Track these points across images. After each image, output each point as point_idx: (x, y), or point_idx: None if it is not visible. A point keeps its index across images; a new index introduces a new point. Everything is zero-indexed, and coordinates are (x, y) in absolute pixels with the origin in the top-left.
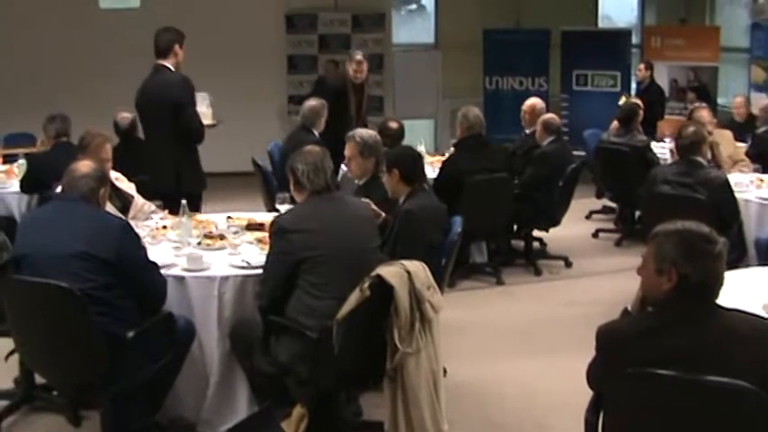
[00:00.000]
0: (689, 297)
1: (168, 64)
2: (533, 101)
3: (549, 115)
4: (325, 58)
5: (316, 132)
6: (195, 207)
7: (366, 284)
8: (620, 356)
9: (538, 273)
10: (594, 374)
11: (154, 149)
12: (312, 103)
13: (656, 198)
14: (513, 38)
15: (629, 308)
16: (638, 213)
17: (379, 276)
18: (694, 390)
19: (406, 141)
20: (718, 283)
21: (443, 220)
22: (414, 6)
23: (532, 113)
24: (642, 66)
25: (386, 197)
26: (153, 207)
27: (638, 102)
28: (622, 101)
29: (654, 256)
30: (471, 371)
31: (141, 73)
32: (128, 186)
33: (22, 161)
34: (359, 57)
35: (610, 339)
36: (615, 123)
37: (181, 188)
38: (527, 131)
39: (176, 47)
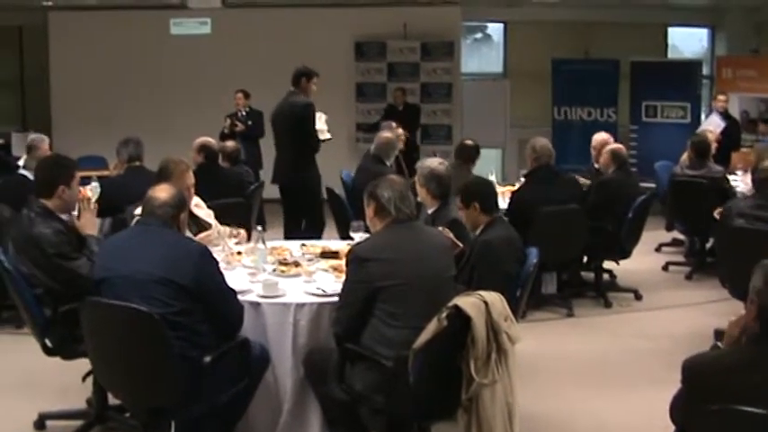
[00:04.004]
0: None
1: (298, 91)
2: (604, 136)
3: (617, 145)
4: (393, 86)
5: (388, 163)
6: (313, 199)
7: (444, 315)
8: (705, 391)
9: (608, 305)
10: (679, 409)
11: (282, 154)
12: (387, 134)
13: (731, 232)
14: (582, 68)
15: (720, 344)
16: (708, 246)
17: (456, 307)
18: None
19: (475, 171)
20: None
21: (520, 251)
22: (479, 35)
23: (599, 150)
24: (724, 96)
25: (451, 225)
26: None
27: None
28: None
29: (750, 288)
30: (543, 403)
31: (210, 98)
32: (206, 213)
33: (95, 184)
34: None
35: (696, 373)
36: (686, 155)
37: (299, 181)
38: (596, 165)
39: (303, 79)
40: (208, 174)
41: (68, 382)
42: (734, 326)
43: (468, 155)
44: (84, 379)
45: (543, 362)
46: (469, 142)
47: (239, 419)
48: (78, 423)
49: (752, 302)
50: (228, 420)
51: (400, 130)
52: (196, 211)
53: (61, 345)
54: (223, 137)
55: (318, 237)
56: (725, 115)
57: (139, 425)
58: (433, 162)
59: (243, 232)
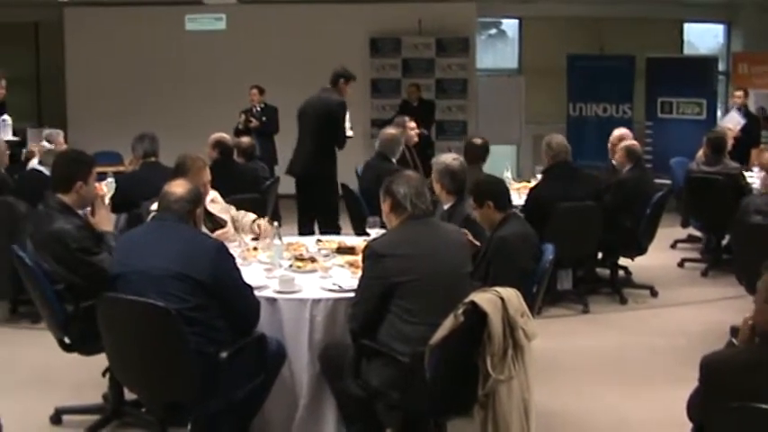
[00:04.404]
0: None
1: (333, 90)
2: (622, 131)
3: (632, 142)
4: (408, 82)
5: (393, 160)
6: (329, 193)
7: (460, 311)
8: (723, 388)
9: (623, 301)
10: (696, 405)
11: (304, 147)
12: (390, 131)
13: (747, 228)
14: (598, 64)
15: (735, 340)
16: (724, 243)
17: (473, 303)
18: None
19: (490, 167)
20: None
21: (535, 247)
22: (494, 31)
23: (617, 145)
24: (741, 92)
25: (465, 223)
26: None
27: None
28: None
29: (766, 286)
30: (559, 399)
31: (226, 94)
32: (222, 208)
33: (110, 180)
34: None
35: (713, 371)
36: (702, 151)
37: (318, 173)
38: (614, 162)
39: (342, 80)
40: (223, 169)
41: (84, 377)
42: (748, 323)
43: (475, 154)
44: (104, 374)
45: (559, 358)
46: (477, 141)
47: (255, 415)
48: (94, 418)
49: (766, 301)
50: (245, 416)
51: (413, 124)
52: (211, 206)
53: (81, 341)
54: (238, 132)
55: (335, 231)
56: (744, 111)
57: (156, 420)
58: (447, 157)
59: (264, 223)
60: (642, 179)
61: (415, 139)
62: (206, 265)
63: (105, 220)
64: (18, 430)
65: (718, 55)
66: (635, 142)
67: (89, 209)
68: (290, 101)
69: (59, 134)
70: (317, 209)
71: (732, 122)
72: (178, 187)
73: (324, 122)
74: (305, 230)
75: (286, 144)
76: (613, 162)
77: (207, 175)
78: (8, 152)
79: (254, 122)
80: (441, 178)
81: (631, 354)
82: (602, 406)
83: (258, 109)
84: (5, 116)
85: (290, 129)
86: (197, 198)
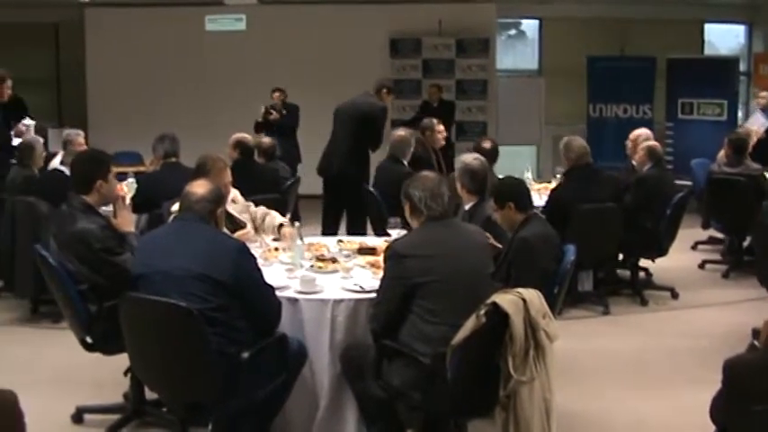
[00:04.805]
0: None
1: (375, 95)
2: (639, 131)
3: (653, 142)
4: (428, 83)
5: (405, 162)
6: (360, 194)
7: (482, 311)
8: (746, 391)
9: (644, 303)
10: (719, 409)
11: (339, 146)
12: (400, 132)
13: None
14: (618, 65)
15: (757, 342)
16: (746, 244)
17: (494, 304)
18: None
19: (510, 168)
20: None
21: (557, 248)
22: (513, 32)
23: (636, 143)
24: (766, 93)
25: (486, 224)
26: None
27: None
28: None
29: None
30: (580, 400)
31: (245, 94)
32: (242, 209)
33: (131, 180)
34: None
35: (736, 374)
36: (723, 152)
37: (353, 174)
38: (634, 162)
39: (384, 91)
40: (243, 169)
41: (104, 376)
42: None
43: (485, 157)
44: (125, 373)
45: (580, 359)
46: (486, 144)
47: (276, 415)
48: (115, 417)
49: None
50: (265, 416)
51: (441, 127)
52: (232, 207)
53: (103, 340)
54: (257, 126)
55: (362, 232)
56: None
57: (177, 420)
58: (467, 157)
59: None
60: (662, 179)
61: (442, 142)
62: (228, 266)
63: (127, 221)
64: (40, 429)
65: (739, 56)
66: (656, 143)
67: (111, 209)
68: (310, 101)
69: (79, 134)
70: (348, 209)
71: (757, 124)
72: (199, 187)
73: (363, 125)
74: (329, 231)
75: (307, 144)
76: (633, 162)
77: (228, 176)
78: (44, 153)
79: (274, 114)
80: (461, 178)
81: (652, 355)
82: (623, 407)
83: (279, 104)
84: (27, 119)
85: (309, 128)
86: (218, 198)
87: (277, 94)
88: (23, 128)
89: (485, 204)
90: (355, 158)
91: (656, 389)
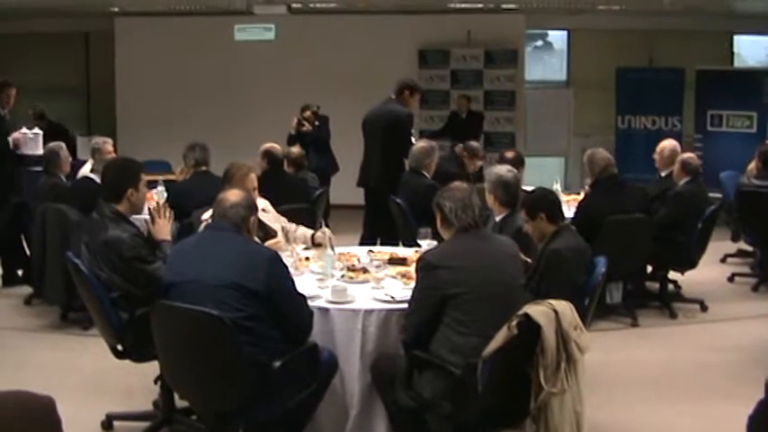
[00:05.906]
0: None
1: (397, 100)
2: (665, 142)
3: (689, 155)
4: (457, 94)
5: (427, 174)
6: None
7: (513, 323)
8: None
9: (673, 316)
10: (760, 423)
11: (373, 157)
12: (420, 144)
13: None
14: (647, 76)
15: None
16: None
17: (526, 315)
18: None
19: (538, 180)
20: None
21: (588, 260)
22: (540, 43)
23: (662, 155)
24: None
25: (517, 236)
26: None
27: None
28: None
29: None
30: (610, 413)
31: (274, 104)
32: (273, 218)
33: (161, 188)
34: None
35: None
36: (753, 165)
37: (390, 184)
38: (662, 174)
39: (407, 92)
40: (271, 179)
41: (134, 384)
42: None
43: None
44: (156, 381)
45: (609, 371)
46: (510, 155)
47: (306, 424)
48: (145, 425)
49: None
50: (295, 425)
51: (480, 163)
52: (262, 216)
53: (134, 348)
54: (290, 140)
55: (396, 242)
56: None
57: (207, 428)
58: (501, 169)
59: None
60: (698, 194)
61: (476, 170)
62: (260, 275)
63: (165, 230)
64: None
65: None
66: (692, 155)
67: (149, 217)
68: (338, 112)
69: (107, 142)
70: (387, 220)
71: None
72: (232, 195)
73: (391, 133)
74: (368, 242)
75: (343, 153)
76: (662, 173)
77: (252, 182)
78: (70, 159)
79: (307, 126)
80: (494, 189)
81: (681, 368)
82: (653, 421)
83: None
84: (36, 129)
85: (337, 139)
86: (251, 205)
87: (308, 113)
88: (20, 136)
89: (516, 216)
90: (389, 169)
91: (685, 402)
